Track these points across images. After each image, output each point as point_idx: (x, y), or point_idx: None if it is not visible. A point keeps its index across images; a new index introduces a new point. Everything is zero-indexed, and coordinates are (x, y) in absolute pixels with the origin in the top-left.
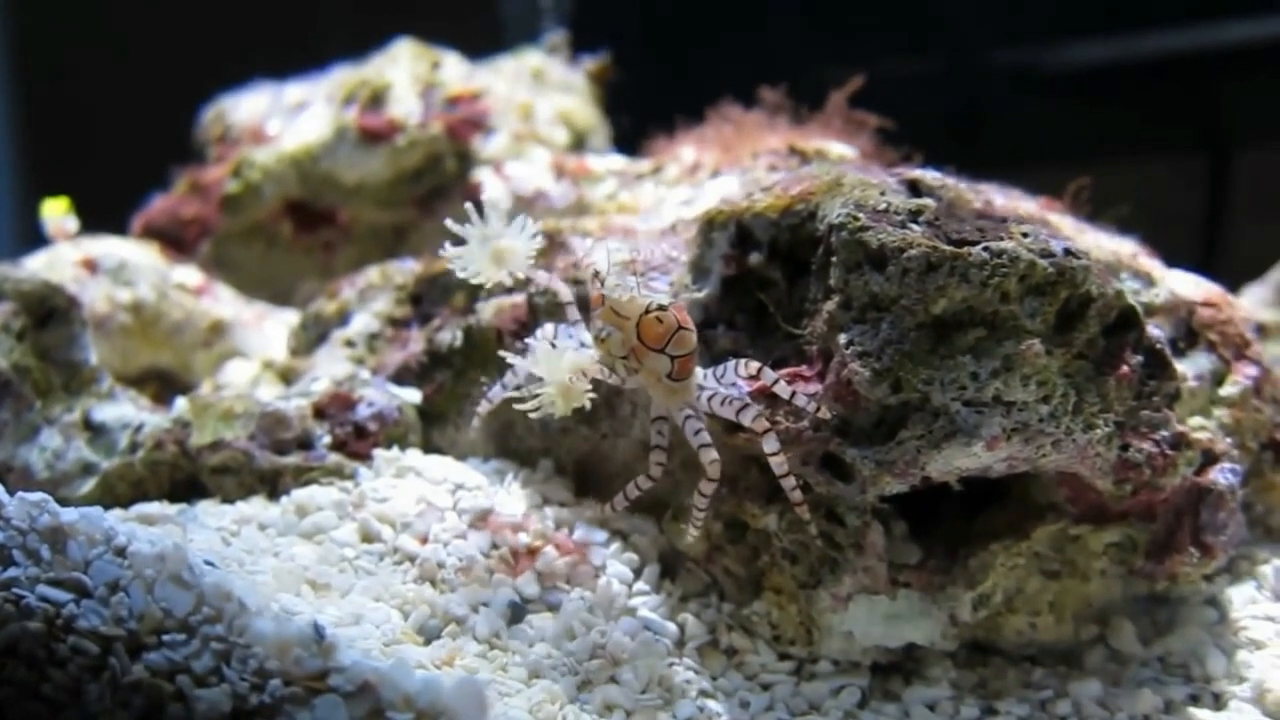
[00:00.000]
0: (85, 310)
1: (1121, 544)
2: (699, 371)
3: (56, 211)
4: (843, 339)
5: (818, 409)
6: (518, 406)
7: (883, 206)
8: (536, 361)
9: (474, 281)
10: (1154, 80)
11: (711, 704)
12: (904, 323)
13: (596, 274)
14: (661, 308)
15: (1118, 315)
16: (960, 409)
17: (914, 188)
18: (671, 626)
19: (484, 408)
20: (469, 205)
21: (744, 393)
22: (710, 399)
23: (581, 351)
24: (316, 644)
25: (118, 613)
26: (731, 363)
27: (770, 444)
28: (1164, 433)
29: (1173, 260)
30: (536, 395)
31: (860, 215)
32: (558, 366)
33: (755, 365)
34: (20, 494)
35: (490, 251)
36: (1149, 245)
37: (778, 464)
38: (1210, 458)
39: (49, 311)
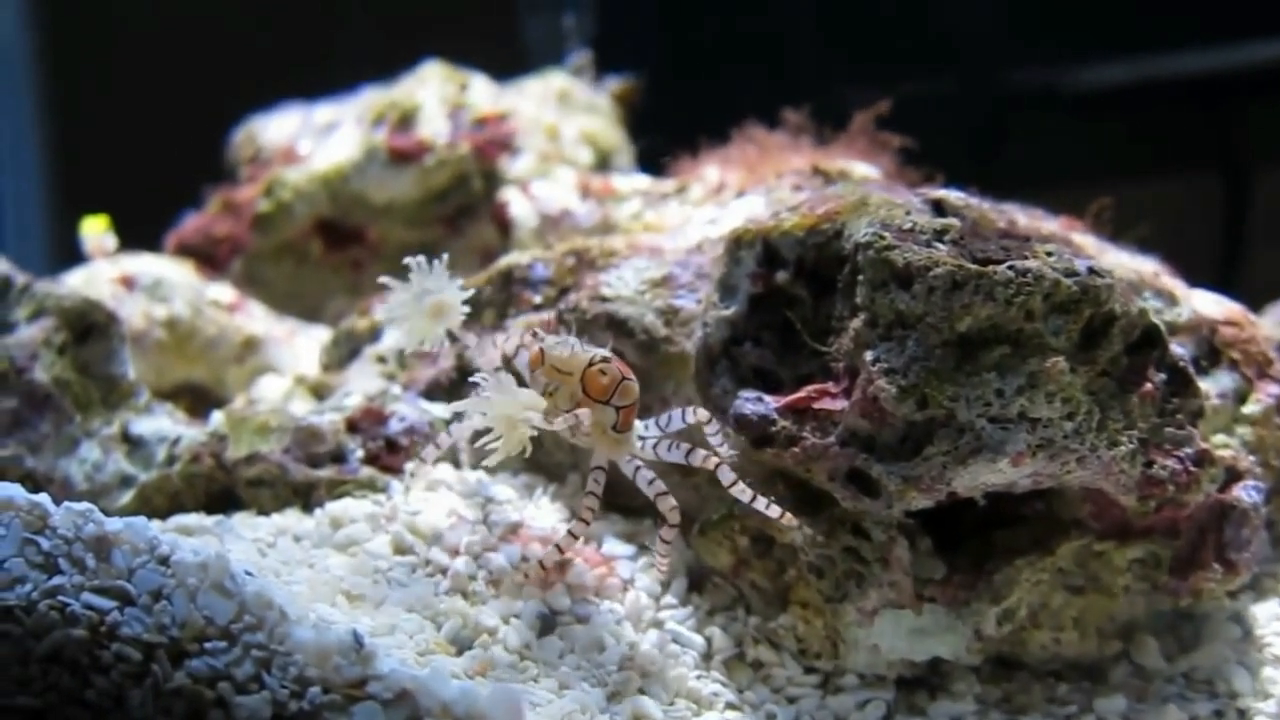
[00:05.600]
0: (123, 326)
1: (1145, 560)
2: (638, 424)
3: (95, 230)
4: (869, 356)
5: (781, 515)
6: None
7: (908, 226)
8: (489, 397)
9: (412, 343)
10: (1173, 101)
11: (738, 716)
12: (930, 340)
13: (535, 334)
14: (605, 359)
15: (1141, 333)
16: (986, 425)
17: (938, 207)
18: (699, 639)
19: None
20: (408, 262)
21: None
22: (656, 446)
23: (529, 393)
24: (355, 652)
25: (160, 620)
26: (678, 410)
27: (725, 476)
28: (1187, 450)
29: (1191, 281)
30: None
31: (886, 234)
32: (510, 402)
33: (705, 413)
34: (66, 503)
35: (427, 308)
36: (1168, 265)
37: (739, 493)
38: (1233, 475)
39: (89, 327)
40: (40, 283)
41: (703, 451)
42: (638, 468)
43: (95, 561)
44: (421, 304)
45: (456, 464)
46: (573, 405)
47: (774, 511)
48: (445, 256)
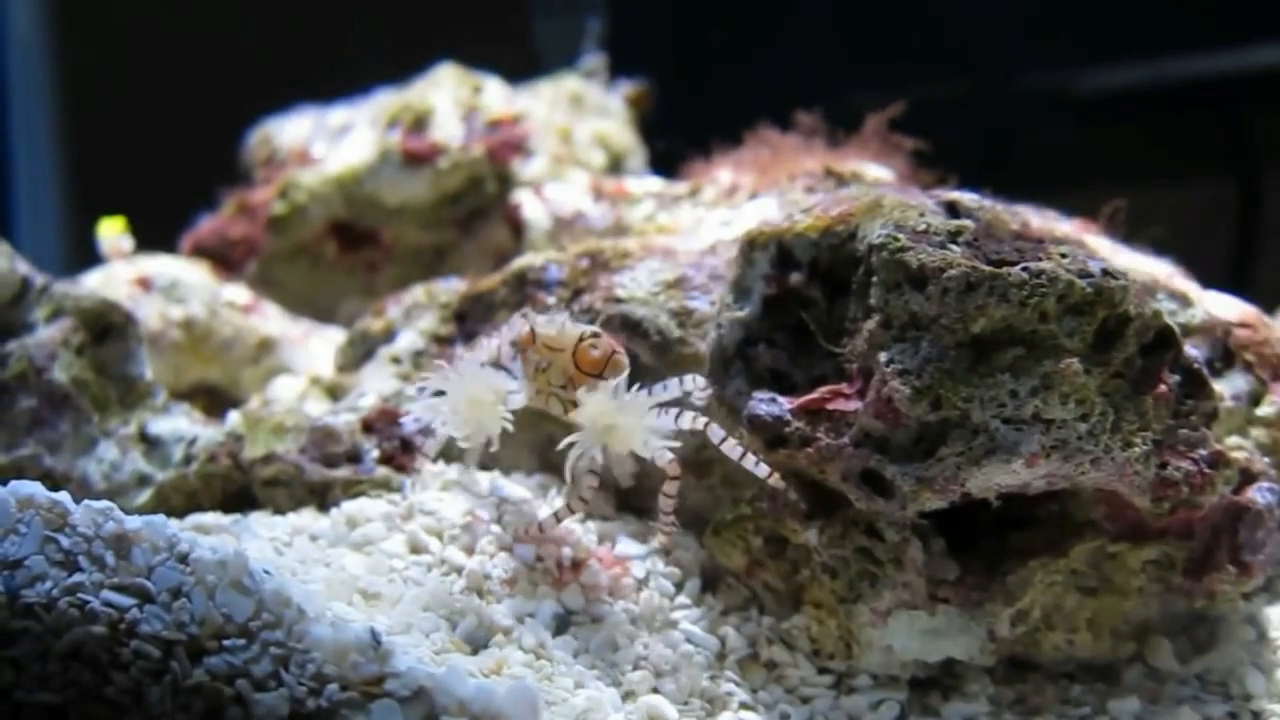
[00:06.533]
0: (140, 326)
1: (1159, 562)
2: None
3: (113, 231)
4: (883, 357)
5: (769, 474)
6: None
7: (922, 227)
8: (450, 382)
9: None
10: (1185, 105)
11: (752, 716)
12: (944, 341)
13: (524, 315)
14: (595, 334)
15: (1155, 335)
16: (1000, 426)
17: (952, 209)
18: (712, 639)
19: (423, 461)
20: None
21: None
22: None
23: (494, 378)
24: (373, 649)
25: (179, 618)
26: (674, 379)
27: (715, 434)
28: (1202, 451)
29: (1204, 284)
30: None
31: (900, 236)
32: (473, 386)
33: (701, 380)
34: (86, 501)
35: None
36: (1181, 268)
37: (729, 449)
38: (1248, 477)
39: (106, 327)
40: (59, 284)
41: (690, 413)
42: None
43: (115, 559)
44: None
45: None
46: (565, 381)
47: (762, 470)
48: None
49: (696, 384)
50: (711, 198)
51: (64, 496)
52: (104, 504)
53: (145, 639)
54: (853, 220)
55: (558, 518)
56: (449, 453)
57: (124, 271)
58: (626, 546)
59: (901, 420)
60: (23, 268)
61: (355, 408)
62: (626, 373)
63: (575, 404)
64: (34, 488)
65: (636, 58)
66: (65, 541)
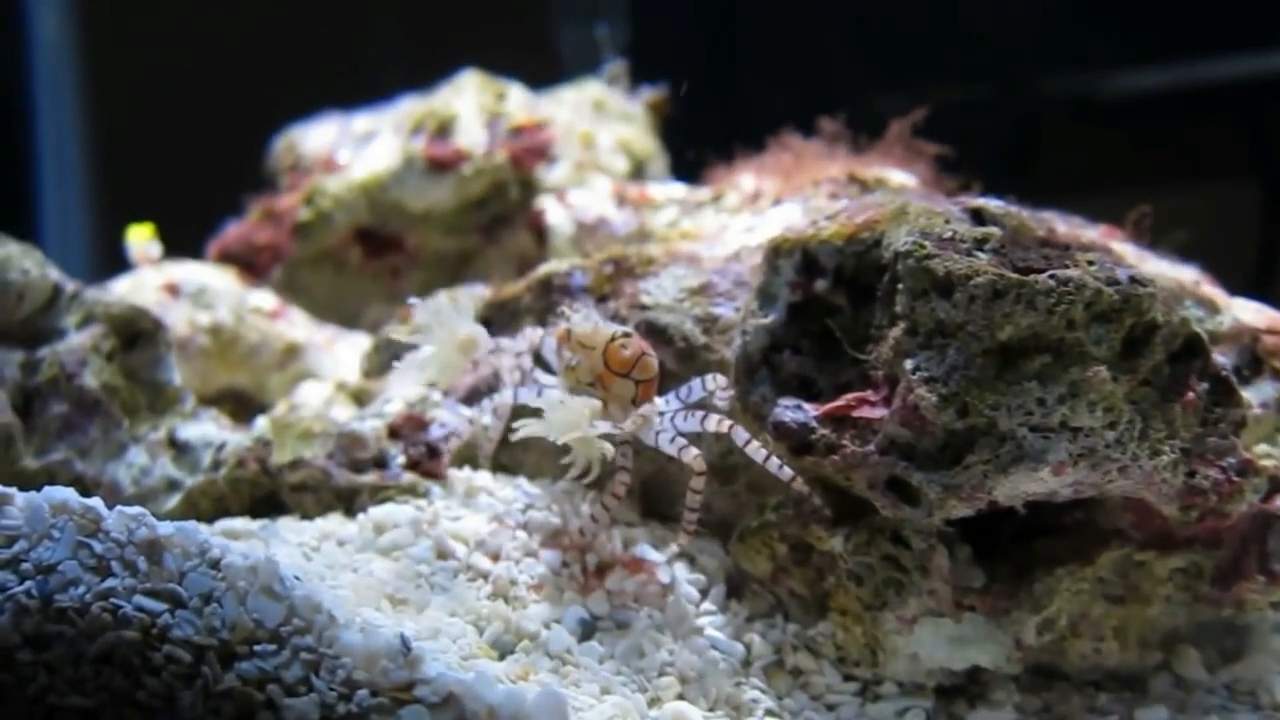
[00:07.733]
0: (169, 333)
1: (1187, 570)
2: (658, 400)
3: (141, 237)
4: (909, 364)
5: (793, 478)
6: (570, 474)
7: (948, 234)
8: (551, 423)
9: (444, 379)
10: (1209, 108)
11: None
12: (970, 349)
13: (562, 312)
14: (626, 334)
15: (1183, 342)
16: (1027, 434)
17: (978, 216)
18: (738, 646)
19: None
20: (414, 303)
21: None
22: (673, 418)
23: (584, 400)
24: (403, 655)
25: (211, 623)
26: (697, 380)
27: (739, 436)
28: (1230, 459)
29: (1227, 289)
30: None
31: (926, 243)
32: (574, 420)
33: (723, 379)
34: (119, 507)
35: (455, 345)
36: (1207, 274)
37: (754, 452)
38: (1276, 485)
39: (136, 334)
40: (89, 290)
41: (716, 416)
42: (658, 433)
43: (147, 565)
44: (448, 343)
45: (498, 471)
46: (594, 378)
47: (786, 474)
48: (464, 298)
49: (718, 383)
50: (735, 204)
51: (97, 502)
52: (136, 510)
53: (177, 644)
54: (878, 227)
55: (594, 519)
56: (473, 459)
57: (152, 278)
58: (651, 553)
59: (928, 427)
60: (54, 274)
61: (381, 413)
62: (655, 375)
63: (604, 401)
64: (67, 493)
65: (658, 64)
66: (98, 547)
